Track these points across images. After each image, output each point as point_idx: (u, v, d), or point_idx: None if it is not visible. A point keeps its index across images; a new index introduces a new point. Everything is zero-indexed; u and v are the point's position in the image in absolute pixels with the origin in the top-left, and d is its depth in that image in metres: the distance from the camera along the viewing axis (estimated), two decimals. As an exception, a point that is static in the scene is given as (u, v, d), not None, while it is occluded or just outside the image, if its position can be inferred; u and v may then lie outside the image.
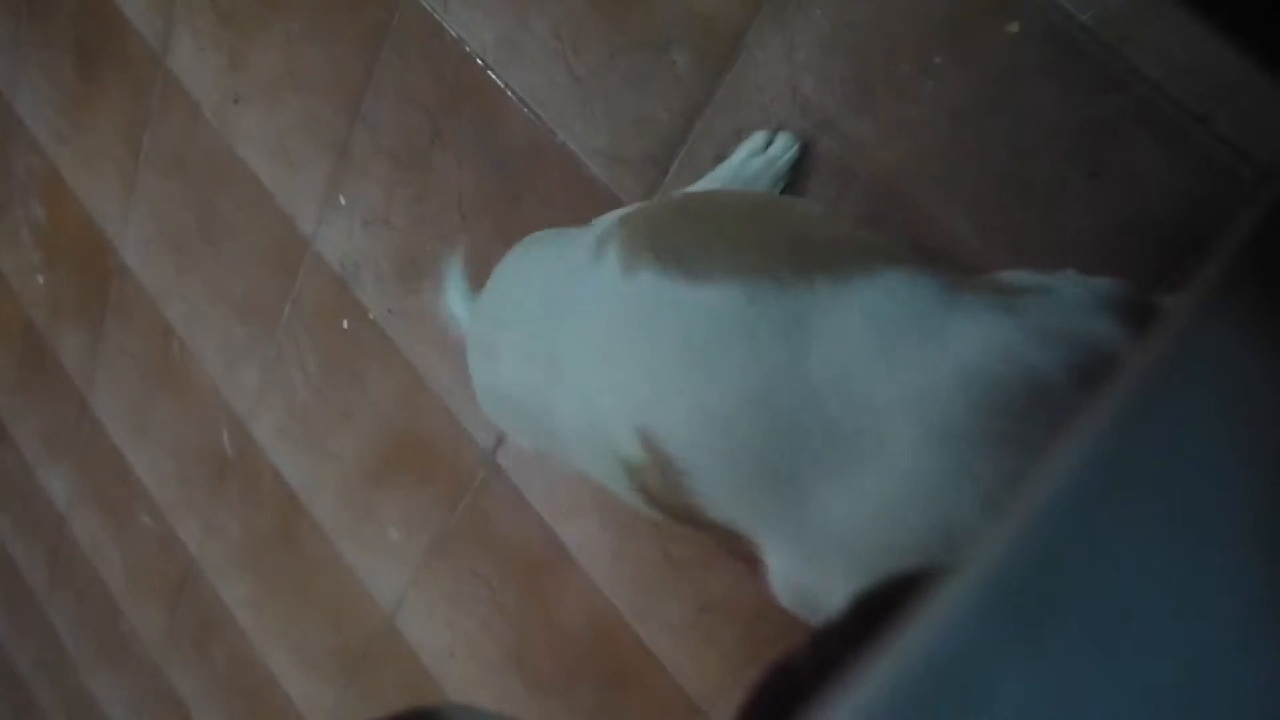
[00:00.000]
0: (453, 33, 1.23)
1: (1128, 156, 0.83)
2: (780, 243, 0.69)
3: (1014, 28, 0.86)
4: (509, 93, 1.20)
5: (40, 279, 2.15)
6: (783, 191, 1.01)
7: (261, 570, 1.94)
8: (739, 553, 1.07)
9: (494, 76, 1.21)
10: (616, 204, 1.14)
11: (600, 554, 1.33)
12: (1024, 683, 0.18)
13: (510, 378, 0.84)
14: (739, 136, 1.02)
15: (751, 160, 1.00)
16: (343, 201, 1.45)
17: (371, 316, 1.49)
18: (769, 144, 1.00)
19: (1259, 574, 0.20)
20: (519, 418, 0.89)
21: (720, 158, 1.04)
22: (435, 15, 1.24)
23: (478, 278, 1.32)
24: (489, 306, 0.93)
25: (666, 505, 0.73)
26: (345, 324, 1.54)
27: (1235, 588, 0.20)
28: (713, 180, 1.02)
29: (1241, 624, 0.19)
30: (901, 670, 0.19)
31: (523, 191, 1.24)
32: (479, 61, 1.22)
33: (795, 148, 0.99)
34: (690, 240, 0.71)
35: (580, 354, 0.75)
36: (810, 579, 0.65)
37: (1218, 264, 0.33)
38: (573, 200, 1.19)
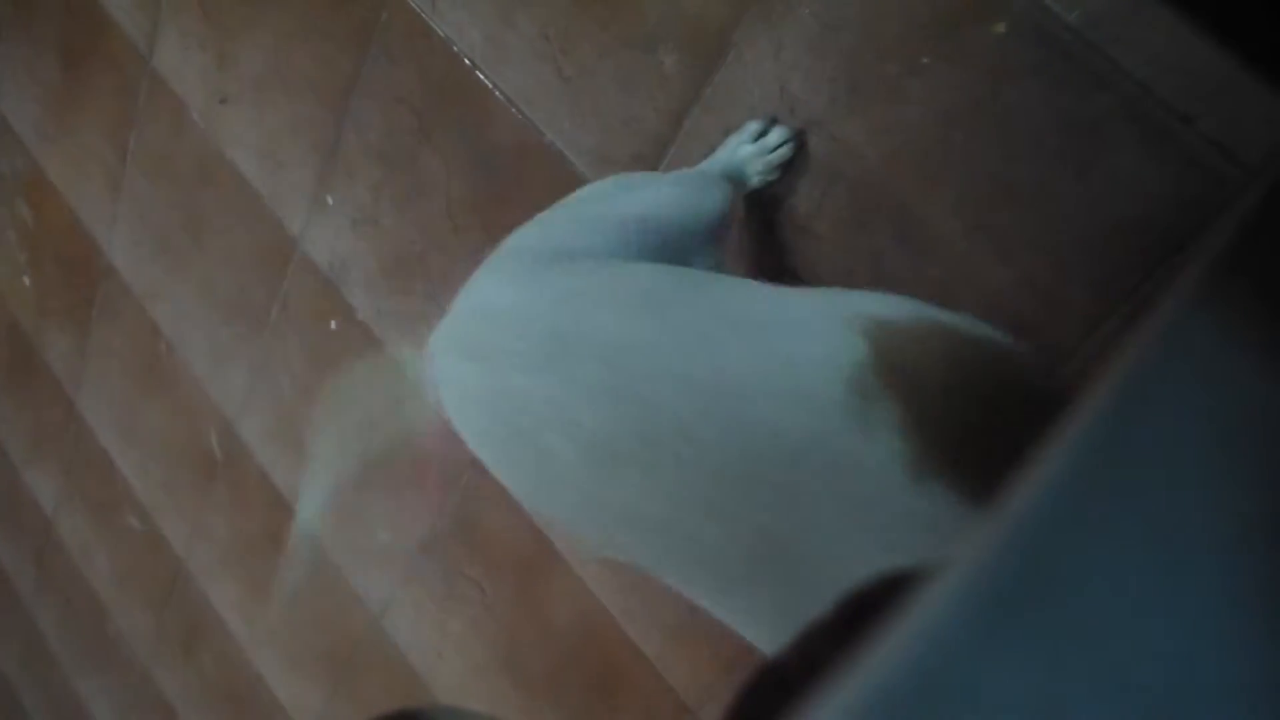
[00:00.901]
0: (441, 33, 1.22)
1: (1114, 156, 0.84)
2: None
3: (1000, 28, 0.86)
4: (497, 93, 1.20)
5: (26, 280, 2.14)
6: (771, 188, 1.01)
7: (249, 572, 1.93)
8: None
9: (482, 76, 1.21)
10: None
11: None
12: (1010, 683, 0.18)
13: (657, 516, 0.62)
14: (727, 135, 1.02)
15: (748, 145, 0.99)
16: (330, 202, 1.45)
17: (360, 317, 1.49)
18: (763, 133, 1.00)
19: (1245, 574, 0.20)
20: (646, 555, 0.67)
21: (710, 156, 1.04)
22: (423, 15, 1.23)
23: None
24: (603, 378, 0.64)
25: None
26: (333, 324, 1.53)
27: (1221, 587, 0.20)
28: (706, 166, 1.01)
29: (1227, 623, 0.19)
30: (888, 670, 0.19)
31: (511, 191, 1.23)
32: (467, 61, 1.21)
33: (791, 143, 0.98)
34: (991, 453, 0.54)
35: (831, 553, 0.56)
36: None
37: (1203, 262, 0.33)
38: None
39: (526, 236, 0.82)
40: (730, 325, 0.64)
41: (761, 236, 1.04)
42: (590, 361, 0.64)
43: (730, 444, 0.58)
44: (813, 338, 0.61)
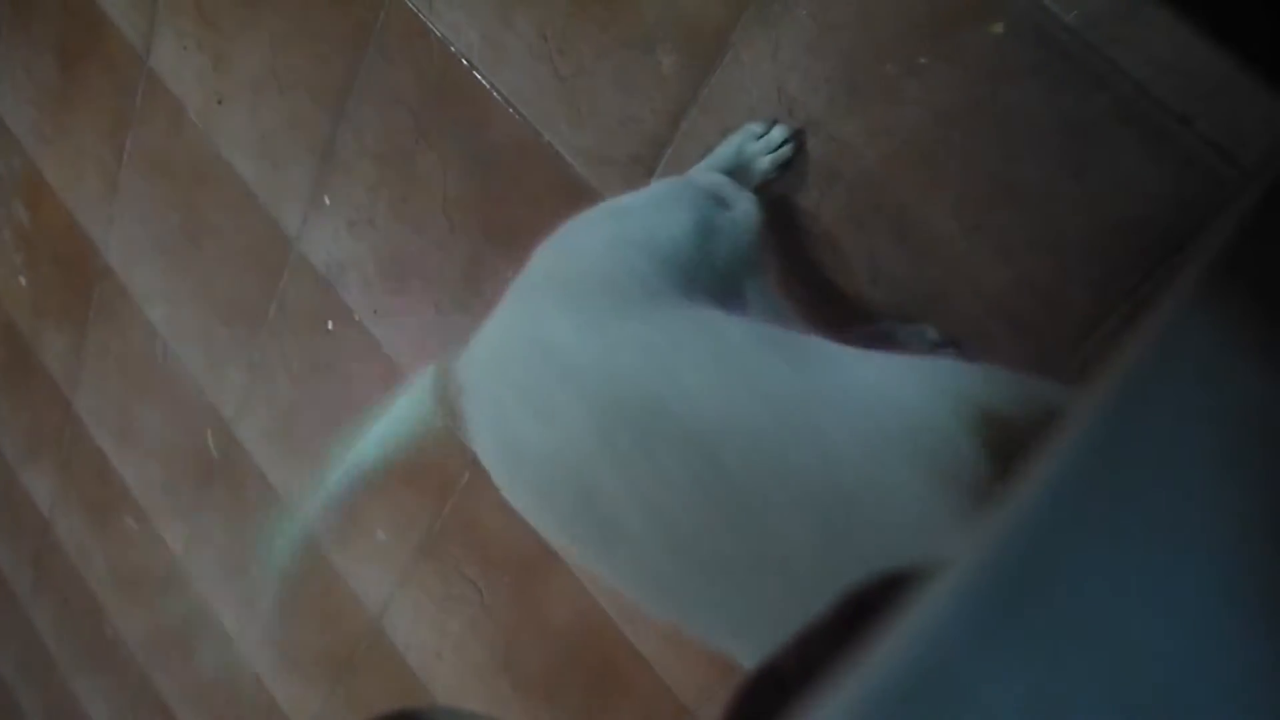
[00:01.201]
0: (438, 32, 1.22)
1: (1112, 157, 0.84)
2: None
3: (999, 28, 0.86)
4: (494, 93, 1.20)
5: (23, 280, 2.14)
6: (769, 189, 1.00)
7: (247, 572, 1.93)
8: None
9: (479, 77, 1.20)
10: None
11: (587, 555, 1.33)
12: (1009, 684, 0.17)
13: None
14: (725, 136, 1.02)
15: (749, 145, 0.99)
16: (327, 202, 1.45)
17: (357, 318, 1.48)
18: (764, 134, 0.99)
19: (1244, 573, 0.20)
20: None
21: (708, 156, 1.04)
22: (420, 15, 1.23)
23: (468, 283, 1.32)
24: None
25: None
26: (330, 325, 1.53)
27: (1221, 587, 0.20)
28: (709, 164, 1.01)
29: (1227, 623, 0.19)
30: (887, 670, 0.19)
31: (508, 192, 1.23)
32: (464, 62, 1.21)
33: (793, 142, 0.97)
34: None
35: None
36: None
37: (1202, 262, 0.33)
38: (559, 201, 1.18)
39: (575, 259, 0.74)
40: (830, 408, 0.58)
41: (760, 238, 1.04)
42: (681, 444, 0.57)
43: (832, 551, 0.53)
44: (924, 433, 0.56)
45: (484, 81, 1.20)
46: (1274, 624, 0.19)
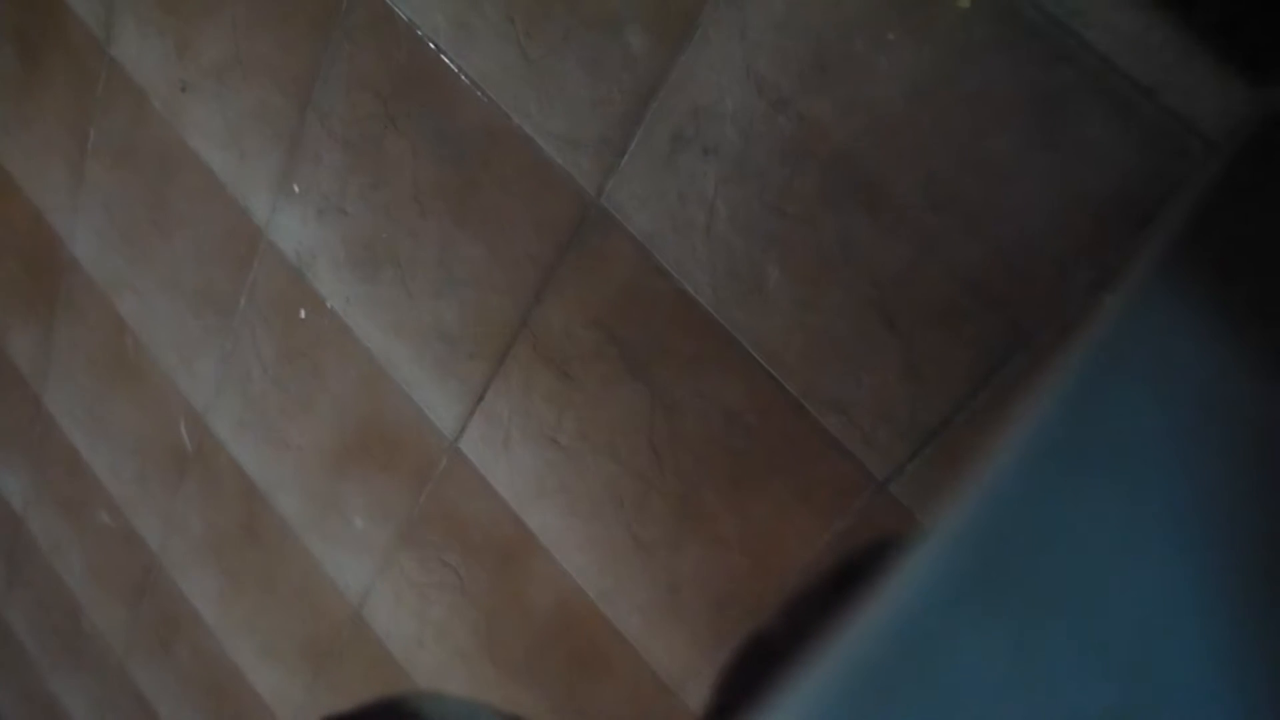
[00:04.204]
0: (404, 16, 1.21)
1: (1079, 130, 0.84)
2: None
3: (965, 3, 0.86)
4: (462, 76, 1.19)
5: (-13, 275, 2.11)
6: (741, 169, 1.01)
7: (225, 565, 1.92)
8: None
9: (447, 60, 1.20)
10: (574, 187, 1.14)
11: (567, 538, 1.34)
12: (983, 640, 0.18)
13: None
14: (695, 116, 1.02)
15: None
16: (296, 190, 1.44)
17: (329, 305, 1.48)
18: None
19: (1205, 538, 0.21)
20: None
21: (677, 137, 1.04)
22: (386, -1, 1.22)
23: (440, 269, 1.32)
24: None
25: None
26: (303, 313, 1.52)
27: (1182, 552, 0.20)
28: None
29: (1188, 587, 0.20)
30: (870, 636, 0.19)
31: (479, 176, 1.23)
32: (431, 45, 1.20)
33: None
34: None
35: None
36: None
37: (1164, 235, 0.34)
38: (530, 185, 1.18)
39: None
40: None
41: (732, 220, 1.04)
42: None
43: None
44: None
45: (452, 65, 1.20)
46: (1233, 579, 0.19)
